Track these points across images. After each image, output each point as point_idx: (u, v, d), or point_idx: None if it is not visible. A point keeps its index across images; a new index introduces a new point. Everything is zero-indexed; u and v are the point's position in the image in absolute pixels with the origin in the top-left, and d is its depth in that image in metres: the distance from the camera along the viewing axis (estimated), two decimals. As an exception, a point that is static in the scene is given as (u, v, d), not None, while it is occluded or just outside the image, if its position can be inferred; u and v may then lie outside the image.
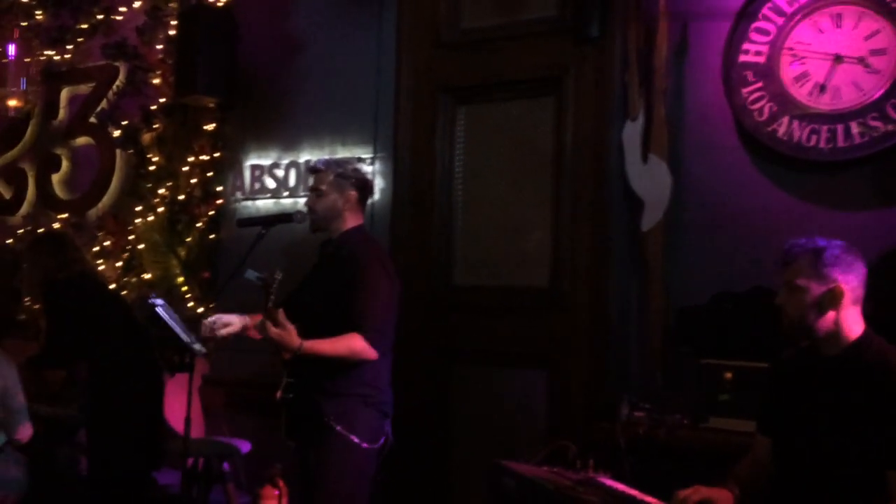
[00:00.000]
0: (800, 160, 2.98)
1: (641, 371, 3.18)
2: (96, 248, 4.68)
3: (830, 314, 2.14)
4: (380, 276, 2.81)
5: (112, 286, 4.35)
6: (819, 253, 2.14)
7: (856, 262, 2.17)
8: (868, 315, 2.30)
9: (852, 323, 2.16)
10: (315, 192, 2.98)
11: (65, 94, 5.04)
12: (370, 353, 2.74)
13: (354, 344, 2.73)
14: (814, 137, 2.94)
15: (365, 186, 3.02)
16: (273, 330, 2.69)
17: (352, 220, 2.96)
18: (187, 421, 2.96)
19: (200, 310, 4.25)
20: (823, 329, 2.15)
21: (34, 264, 3.76)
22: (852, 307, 2.17)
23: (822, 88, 2.94)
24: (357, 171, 3.03)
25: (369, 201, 3.14)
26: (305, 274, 3.03)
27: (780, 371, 2.32)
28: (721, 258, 3.09)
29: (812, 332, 2.16)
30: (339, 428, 2.76)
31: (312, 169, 3.05)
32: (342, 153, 3.97)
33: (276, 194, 4.17)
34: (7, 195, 5.21)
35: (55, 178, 5.02)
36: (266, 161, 4.20)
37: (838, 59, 2.92)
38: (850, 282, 2.16)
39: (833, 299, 2.13)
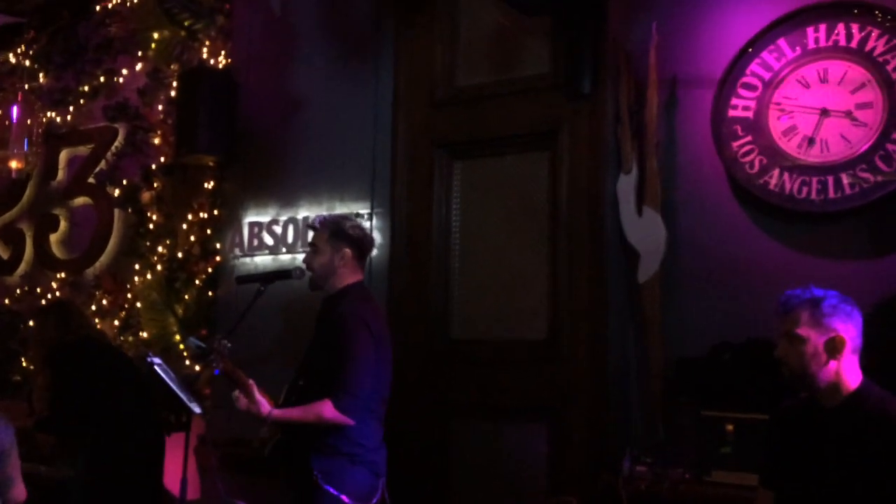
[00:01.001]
0: (792, 211, 3.02)
1: (642, 423, 3.17)
2: (93, 307, 4.68)
3: (832, 364, 2.14)
4: (361, 340, 2.80)
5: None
6: (818, 303, 2.15)
7: (854, 311, 2.19)
8: (866, 365, 2.32)
9: (851, 373, 2.17)
10: (312, 250, 3.01)
11: (64, 155, 5.10)
12: (341, 419, 2.74)
13: (324, 412, 2.74)
14: (805, 189, 2.99)
15: (362, 243, 3.03)
16: (241, 402, 2.75)
17: (349, 277, 2.98)
18: (183, 482, 2.93)
19: (197, 368, 4.24)
20: (825, 380, 2.15)
21: (39, 336, 3.79)
22: (851, 357, 2.17)
23: (810, 141, 3.00)
24: (355, 227, 3.04)
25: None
26: (314, 333, 3.04)
27: (780, 423, 2.31)
28: (717, 308, 3.10)
29: (814, 382, 2.15)
30: (327, 487, 2.75)
31: (310, 226, 3.09)
32: (340, 209, 4.01)
33: (274, 251, 4.19)
34: (5, 255, 5.22)
35: (53, 238, 5.05)
36: (264, 218, 4.24)
37: (825, 112, 2.99)
38: (850, 331, 2.18)
39: (834, 349, 2.14)
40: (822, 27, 3.01)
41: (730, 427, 2.82)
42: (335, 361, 2.78)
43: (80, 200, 4.99)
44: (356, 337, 2.80)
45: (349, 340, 2.79)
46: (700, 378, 2.94)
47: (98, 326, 4.51)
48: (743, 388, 2.81)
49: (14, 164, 4.86)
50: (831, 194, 2.94)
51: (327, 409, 2.73)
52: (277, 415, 2.77)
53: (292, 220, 4.15)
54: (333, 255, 2.96)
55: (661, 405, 3.10)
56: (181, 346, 4.35)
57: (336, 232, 2.98)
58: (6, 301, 5.14)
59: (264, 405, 2.76)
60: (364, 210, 3.95)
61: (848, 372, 2.17)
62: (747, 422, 2.75)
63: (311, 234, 3.11)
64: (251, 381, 2.80)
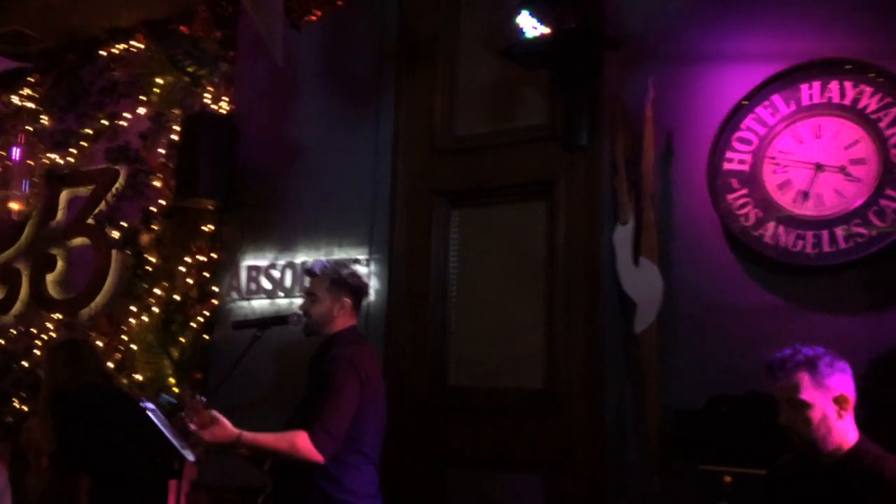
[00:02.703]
0: (787, 264, 3.04)
1: (639, 476, 3.14)
2: (88, 348, 4.66)
3: (838, 424, 2.13)
4: (348, 382, 2.77)
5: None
6: (814, 363, 2.14)
7: (846, 365, 2.19)
8: (862, 421, 2.31)
9: (849, 430, 2.16)
10: (310, 297, 3.00)
11: (64, 195, 5.13)
12: (314, 454, 2.67)
13: (298, 441, 2.67)
14: (800, 242, 3.01)
15: (360, 291, 3.04)
16: (205, 433, 2.64)
17: (343, 323, 2.98)
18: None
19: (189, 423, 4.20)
20: (834, 442, 2.12)
21: (49, 374, 3.76)
22: (850, 413, 2.17)
23: (805, 195, 3.04)
24: (353, 275, 3.05)
25: (364, 302, 3.16)
26: (306, 379, 3.02)
27: (777, 480, 2.29)
28: (714, 360, 3.10)
29: (824, 446, 2.12)
30: None
31: (309, 272, 3.07)
32: (338, 254, 4.02)
33: (271, 295, 4.19)
34: (0, 295, 5.22)
35: (49, 277, 5.04)
36: (263, 262, 4.25)
37: (819, 167, 3.02)
38: (849, 387, 2.17)
39: (840, 409, 2.13)
40: (816, 84, 3.07)
41: (728, 481, 2.79)
42: (317, 397, 2.76)
43: (79, 241, 5.00)
44: (342, 378, 2.77)
45: (334, 380, 2.76)
46: (698, 431, 2.92)
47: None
48: (742, 442, 2.78)
49: (14, 206, 4.88)
50: (826, 248, 2.96)
51: (301, 439, 2.67)
52: (249, 438, 2.67)
53: (290, 265, 4.16)
54: (333, 304, 2.95)
55: (658, 458, 3.08)
56: (176, 390, 4.32)
57: (336, 280, 2.98)
58: (0, 341, 5.11)
59: (230, 428, 2.65)
60: (362, 256, 3.97)
61: (846, 429, 2.16)
62: (746, 476, 2.72)
63: (307, 279, 3.11)
64: (212, 411, 2.69)
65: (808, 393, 2.11)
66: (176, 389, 4.19)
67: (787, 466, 2.27)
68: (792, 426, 2.14)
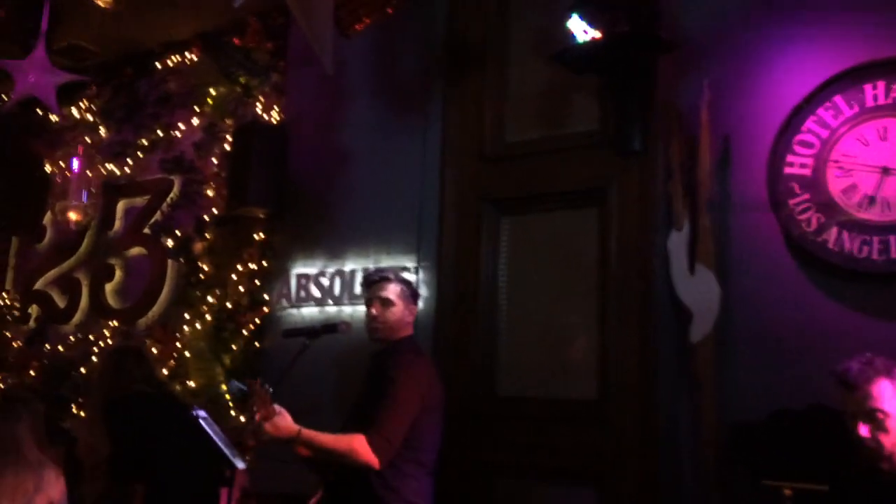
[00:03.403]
0: (852, 271, 2.92)
1: (696, 491, 3.04)
2: (144, 356, 4.75)
3: None
4: (409, 391, 2.78)
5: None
6: (892, 373, 2.05)
7: None
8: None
9: None
10: (383, 302, 2.98)
11: (121, 206, 5.25)
12: (371, 458, 2.67)
13: (356, 444, 2.67)
14: (865, 248, 2.89)
15: (418, 298, 3.13)
16: (268, 424, 2.63)
17: (407, 330, 3.00)
18: (228, 537, 2.90)
19: (242, 419, 4.24)
20: None
21: (98, 382, 3.83)
22: (920, 425, 2.07)
23: (871, 200, 2.92)
24: (411, 282, 3.10)
25: (413, 311, 3.16)
26: (362, 386, 3.02)
27: (843, 495, 2.20)
28: (773, 372, 2.99)
29: None
30: None
31: (376, 278, 3.05)
32: (386, 262, 4.01)
33: (320, 303, 4.21)
34: (62, 304, 5.35)
35: (108, 287, 5.16)
36: (312, 270, 4.27)
37: (886, 171, 2.90)
38: None
39: None
40: (881, 84, 2.95)
41: (788, 495, 2.69)
42: (377, 406, 2.76)
43: (136, 250, 5.10)
44: (404, 386, 2.78)
45: (397, 387, 2.77)
46: (758, 445, 2.82)
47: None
48: (803, 457, 2.68)
49: (73, 216, 5.00)
50: (893, 254, 2.84)
51: (359, 442, 2.67)
52: (308, 434, 2.68)
53: (339, 273, 4.17)
54: (405, 311, 2.98)
55: (715, 473, 2.98)
56: (227, 397, 4.37)
57: (408, 287, 3.03)
58: (60, 348, 5.24)
59: (291, 421, 2.66)
60: (410, 264, 3.95)
61: None
62: (807, 492, 2.62)
63: (375, 287, 3.05)
64: (275, 405, 2.71)
65: (890, 403, 2.02)
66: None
67: (851, 481, 2.18)
68: (869, 439, 2.04)
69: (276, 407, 2.67)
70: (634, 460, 3.22)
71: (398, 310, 2.96)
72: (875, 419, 2.03)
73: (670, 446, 3.16)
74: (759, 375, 3.01)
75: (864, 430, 2.05)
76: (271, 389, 2.78)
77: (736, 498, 2.92)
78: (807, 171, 3.04)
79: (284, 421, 2.67)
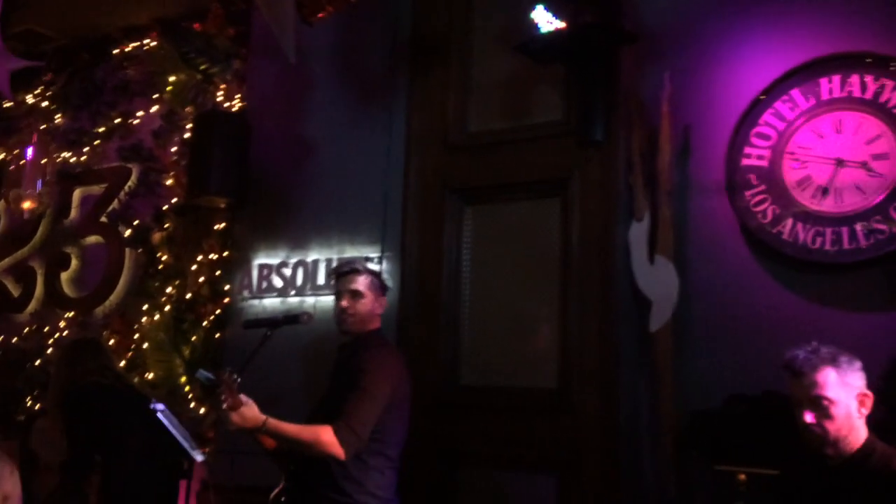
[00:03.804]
0: (806, 262, 2.98)
1: (654, 477, 3.09)
2: (101, 347, 4.66)
3: (859, 423, 2.09)
4: (380, 384, 2.77)
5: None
6: (837, 361, 2.09)
7: (861, 364, 2.15)
8: (884, 420, 2.26)
9: (861, 428, 2.12)
10: (353, 294, 2.96)
11: (77, 194, 5.15)
12: (337, 449, 2.65)
13: (322, 435, 2.65)
14: (819, 239, 2.96)
15: (386, 290, 3.09)
16: (234, 414, 2.61)
17: (376, 322, 3.00)
18: (186, 529, 2.87)
19: (202, 410, 4.19)
20: (853, 440, 2.09)
21: (55, 374, 3.77)
22: (867, 412, 2.13)
23: (825, 191, 2.98)
24: (380, 275, 3.08)
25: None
26: (329, 379, 3.00)
27: (788, 481, 2.26)
28: (730, 359, 3.05)
29: (847, 445, 2.09)
30: None
31: (346, 270, 3.03)
32: (350, 252, 4.00)
33: (283, 293, 4.17)
34: (15, 293, 5.23)
35: (64, 276, 5.06)
36: (274, 260, 4.23)
37: (840, 163, 2.97)
38: (865, 384, 2.13)
39: (864, 406, 2.09)
40: (836, 78, 3.01)
41: (743, 480, 2.75)
42: (347, 396, 2.74)
43: (93, 239, 5.01)
44: (376, 379, 2.77)
45: (367, 380, 2.76)
46: (714, 431, 2.88)
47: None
48: (758, 442, 2.74)
49: (27, 205, 4.90)
50: (846, 245, 2.91)
51: (325, 433, 2.65)
52: (273, 424, 2.65)
53: (302, 263, 4.14)
54: (375, 302, 2.97)
55: (673, 459, 3.03)
56: (187, 389, 4.32)
57: (376, 278, 3.02)
58: (14, 339, 5.13)
59: (257, 411, 2.64)
60: (374, 254, 3.94)
61: (862, 427, 2.12)
62: (762, 476, 2.68)
63: (344, 280, 3.02)
64: (241, 395, 2.68)
65: (835, 390, 2.07)
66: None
67: (799, 466, 2.23)
68: (814, 425, 2.08)
69: (243, 397, 2.65)
70: (596, 447, 3.26)
71: (368, 301, 2.95)
72: (820, 406, 2.07)
73: (631, 433, 3.20)
74: (716, 363, 3.07)
75: (809, 417, 2.09)
76: (239, 379, 2.76)
77: (693, 483, 2.98)
78: (764, 163, 3.09)
79: (251, 411, 2.64)
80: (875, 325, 2.85)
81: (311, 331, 3.69)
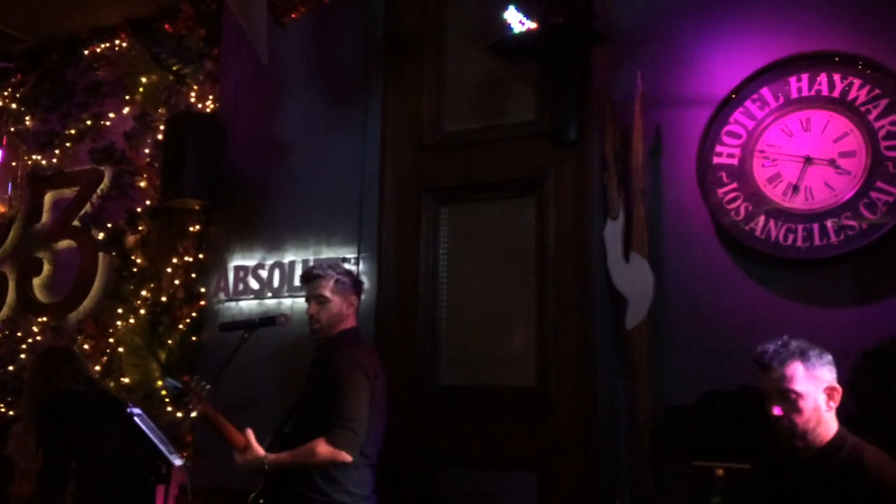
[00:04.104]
0: (778, 258, 3.02)
1: (631, 473, 3.12)
2: (75, 352, 4.61)
3: (828, 416, 2.12)
4: (359, 382, 2.79)
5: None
6: (805, 355, 2.13)
7: (831, 358, 2.18)
8: (854, 413, 2.30)
9: (831, 421, 2.16)
10: (318, 300, 2.96)
11: (48, 197, 5.07)
12: (338, 455, 2.71)
13: (318, 449, 2.72)
14: (791, 236, 3.00)
15: (360, 287, 3.07)
16: (238, 457, 2.79)
17: (349, 322, 2.99)
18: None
19: (179, 414, 4.16)
20: (826, 433, 2.12)
21: (28, 383, 3.73)
22: (836, 406, 2.16)
23: (795, 189, 3.02)
24: (351, 272, 3.06)
25: (356, 300, 3.15)
26: (306, 380, 3.01)
27: (759, 475, 2.29)
28: (706, 355, 3.08)
29: (815, 438, 2.12)
30: None
31: (311, 275, 3.02)
32: (327, 253, 3.99)
33: (259, 295, 4.15)
34: (-14, 299, 5.16)
35: (36, 281, 4.99)
36: (250, 262, 4.21)
37: (809, 160, 3.01)
38: (835, 378, 2.17)
39: (833, 399, 2.12)
40: (805, 77, 3.06)
41: (720, 475, 2.78)
42: (329, 400, 2.76)
43: (65, 243, 4.95)
44: (352, 378, 2.79)
45: (345, 381, 2.78)
46: (690, 427, 2.91)
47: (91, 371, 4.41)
48: (734, 437, 2.77)
49: (-3, 209, 4.83)
50: (817, 241, 2.95)
51: (320, 446, 2.71)
52: (272, 458, 2.77)
53: (278, 265, 4.13)
54: (342, 304, 2.97)
55: (650, 455, 3.06)
56: (163, 392, 4.28)
57: (341, 279, 3.00)
58: (-14, 346, 5.06)
59: (260, 452, 2.78)
60: (351, 255, 3.93)
61: (832, 421, 2.16)
62: (738, 471, 2.71)
63: (310, 283, 3.03)
64: (248, 430, 2.82)
65: (803, 384, 2.10)
66: (185, 378, 4.16)
67: (769, 460, 2.27)
68: (782, 418, 2.12)
69: (246, 438, 2.79)
70: (574, 444, 3.28)
71: (334, 305, 2.95)
72: (788, 399, 2.11)
73: (608, 430, 3.23)
74: (691, 359, 3.10)
75: (777, 410, 2.13)
76: (208, 386, 2.77)
77: (669, 478, 3.01)
78: (734, 161, 3.13)
79: (252, 453, 2.78)
80: (846, 319, 2.89)
81: (288, 332, 3.68)
